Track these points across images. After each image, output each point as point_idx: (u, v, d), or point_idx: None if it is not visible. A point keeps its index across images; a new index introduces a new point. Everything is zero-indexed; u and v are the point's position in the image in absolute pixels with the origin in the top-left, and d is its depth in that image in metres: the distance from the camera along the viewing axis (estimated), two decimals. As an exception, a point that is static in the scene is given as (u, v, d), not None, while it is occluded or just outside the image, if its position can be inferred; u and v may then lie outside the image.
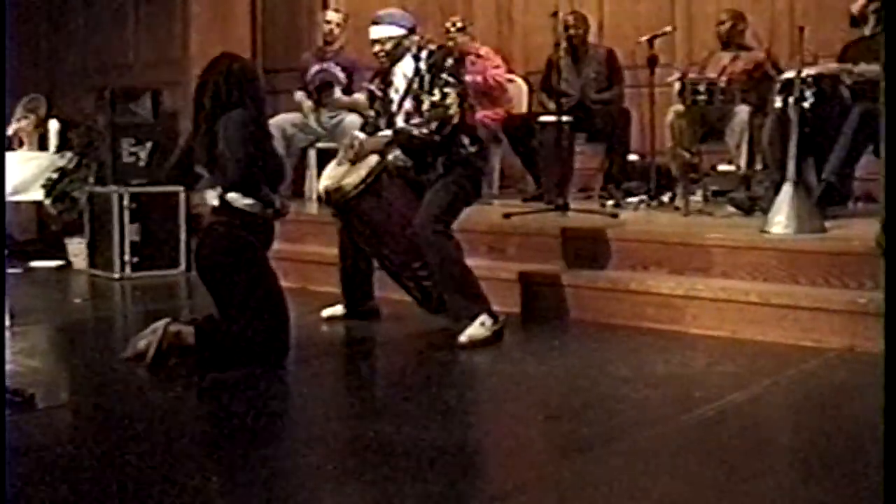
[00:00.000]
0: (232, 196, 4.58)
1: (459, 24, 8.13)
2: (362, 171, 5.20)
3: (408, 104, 5.16)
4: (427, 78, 5.08)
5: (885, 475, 2.64)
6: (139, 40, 9.21)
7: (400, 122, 5.17)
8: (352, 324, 5.55)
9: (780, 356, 4.57)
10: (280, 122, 8.09)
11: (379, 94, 5.32)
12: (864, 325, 4.61)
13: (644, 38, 7.24)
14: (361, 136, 5.32)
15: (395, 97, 5.22)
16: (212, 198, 4.64)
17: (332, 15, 8.36)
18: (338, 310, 5.63)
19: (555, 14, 6.88)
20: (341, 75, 8.11)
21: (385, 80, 5.29)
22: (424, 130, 5.04)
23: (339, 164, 5.34)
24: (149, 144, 7.69)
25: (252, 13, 8.99)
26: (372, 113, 5.42)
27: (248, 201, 4.60)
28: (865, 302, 4.67)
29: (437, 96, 5.03)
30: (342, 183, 5.22)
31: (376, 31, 5.20)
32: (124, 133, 7.71)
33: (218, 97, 4.63)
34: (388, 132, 5.19)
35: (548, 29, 7.29)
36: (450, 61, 5.13)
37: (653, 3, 8.85)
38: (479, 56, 8.14)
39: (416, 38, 5.22)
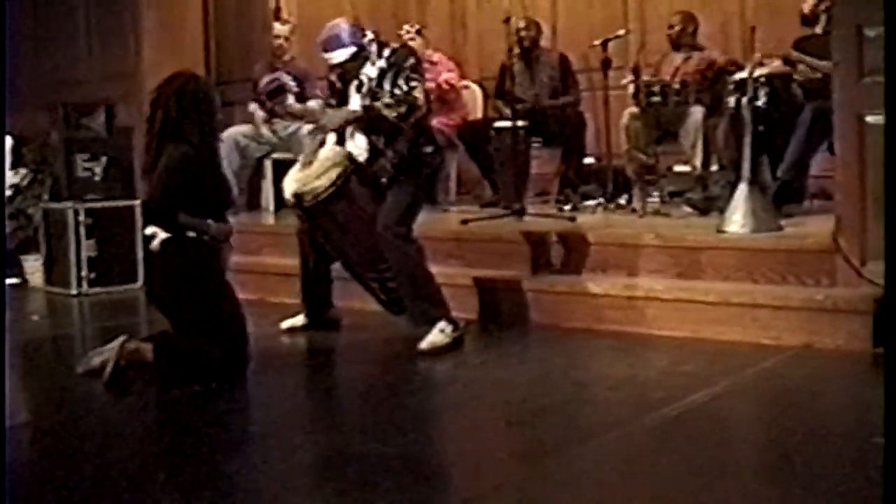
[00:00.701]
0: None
1: (417, 27, 8.10)
2: (332, 173, 5.19)
3: (366, 101, 5.11)
4: (389, 76, 5.05)
5: (885, 475, 2.66)
6: (91, 55, 9.12)
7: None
8: (312, 334, 5.52)
9: (740, 355, 4.58)
10: (233, 133, 8.05)
11: (339, 85, 5.29)
12: (822, 321, 4.64)
13: (597, 42, 7.26)
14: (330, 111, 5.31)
15: (356, 95, 5.18)
16: (153, 231, 4.61)
17: (279, 28, 8.33)
18: (298, 320, 5.60)
19: (507, 20, 6.86)
20: (293, 83, 8.08)
21: (346, 74, 5.26)
22: (393, 113, 5.00)
23: (304, 166, 5.32)
24: (103, 159, 7.63)
25: (204, 25, 8.94)
26: (333, 102, 5.38)
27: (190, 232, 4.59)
28: (822, 299, 4.70)
29: (401, 89, 5.00)
30: (313, 185, 5.20)
31: (332, 59, 5.18)
32: (78, 148, 7.64)
33: (168, 119, 4.61)
34: (357, 108, 5.14)
35: (501, 35, 7.28)
36: (412, 60, 5.09)
37: (606, 7, 8.86)
38: (431, 63, 8.11)
39: (367, 40, 5.18)
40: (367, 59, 5.14)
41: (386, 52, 5.12)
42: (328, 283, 5.55)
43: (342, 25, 5.23)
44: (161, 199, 4.56)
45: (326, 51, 5.18)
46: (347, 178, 5.20)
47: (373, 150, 5.12)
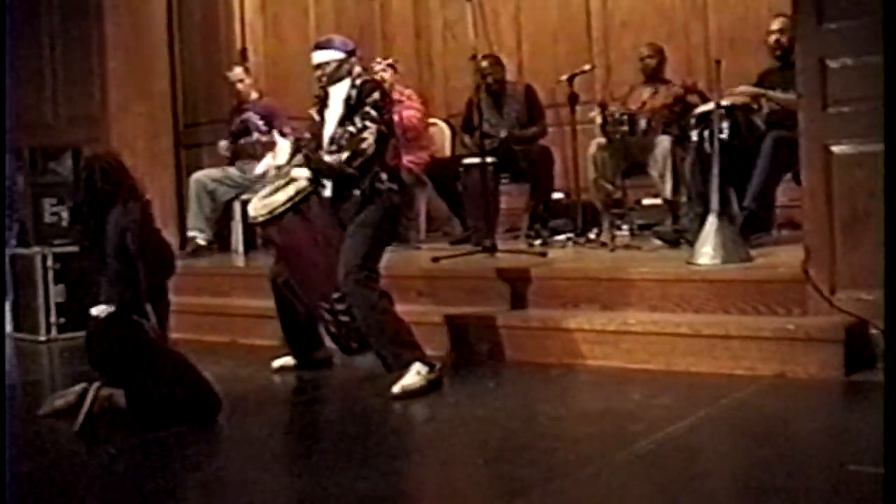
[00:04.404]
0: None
1: (389, 61, 8.11)
2: (290, 190, 5.15)
3: (337, 131, 5.13)
4: (352, 107, 5.09)
5: (885, 478, 2.68)
6: (57, 98, 9.09)
7: (324, 146, 5.17)
8: (295, 374, 5.50)
9: (714, 386, 4.59)
10: (200, 177, 8.06)
11: (317, 117, 5.30)
12: (794, 351, 4.66)
13: (564, 77, 7.31)
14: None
15: (329, 120, 5.20)
16: (102, 312, 4.66)
17: (231, 75, 8.36)
18: (288, 360, 5.57)
19: (473, 57, 6.89)
20: (260, 123, 8.11)
21: (324, 102, 5.28)
22: (334, 159, 5.02)
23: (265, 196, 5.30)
24: (71, 204, 7.58)
25: (171, 67, 8.95)
26: (308, 135, 5.38)
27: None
28: (794, 328, 4.72)
29: (355, 128, 5.02)
30: (271, 199, 5.18)
31: (317, 56, 5.23)
32: (45, 193, 7.61)
33: (97, 191, 4.70)
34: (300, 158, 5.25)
35: (467, 72, 7.34)
36: (375, 95, 5.08)
37: (570, 43, 8.96)
38: (400, 101, 8.11)
39: (355, 60, 5.23)
40: (348, 73, 5.18)
41: (358, 82, 5.14)
42: (313, 322, 5.45)
43: (338, 36, 5.44)
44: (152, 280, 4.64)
45: (318, 48, 5.26)
46: (306, 197, 5.15)
47: (338, 189, 5.12)
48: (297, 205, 5.14)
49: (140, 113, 8.53)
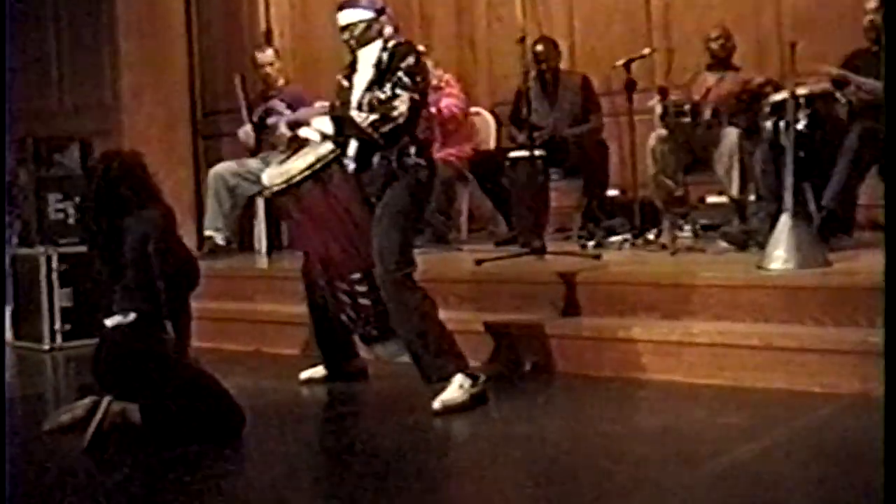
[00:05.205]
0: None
1: (422, 48, 8.11)
2: (310, 156, 5.07)
3: (365, 95, 5.12)
4: (382, 72, 5.08)
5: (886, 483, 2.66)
6: (63, 84, 9.18)
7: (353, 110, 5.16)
8: (325, 387, 5.52)
9: (788, 405, 4.57)
10: (220, 171, 8.06)
11: (345, 83, 5.30)
12: (878, 366, 4.61)
13: (620, 62, 7.29)
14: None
15: (357, 85, 5.20)
16: (118, 321, 4.68)
17: (261, 57, 8.38)
18: (318, 371, 5.58)
19: (522, 40, 6.84)
20: (287, 112, 8.13)
21: (353, 66, 5.28)
22: (361, 118, 5.01)
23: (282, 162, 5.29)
24: (78, 199, 7.63)
25: (189, 52, 9.00)
26: (337, 102, 5.38)
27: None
28: (877, 341, 4.68)
29: (386, 94, 5.01)
30: (288, 166, 5.11)
31: (344, 17, 5.20)
32: (50, 188, 7.67)
33: (116, 193, 4.71)
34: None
35: (515, 55, 7.30)
36: (410, 60, 5.06)
37: (627, 24, 8.93)
38: (438, 88, 8.09)
39: (385, 20, 5.20)
40: (378, 34, 5.17)
41: (390, 44, 5.14)
42: (346, 331, 5.44)
43: None
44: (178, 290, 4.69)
45: (343, 8, 5.22)
46: (327, 164, 5.06)
47: (362, 157, 5.12)
48: (317, 173, 5.05)
49: (155, 101, 8.59)
